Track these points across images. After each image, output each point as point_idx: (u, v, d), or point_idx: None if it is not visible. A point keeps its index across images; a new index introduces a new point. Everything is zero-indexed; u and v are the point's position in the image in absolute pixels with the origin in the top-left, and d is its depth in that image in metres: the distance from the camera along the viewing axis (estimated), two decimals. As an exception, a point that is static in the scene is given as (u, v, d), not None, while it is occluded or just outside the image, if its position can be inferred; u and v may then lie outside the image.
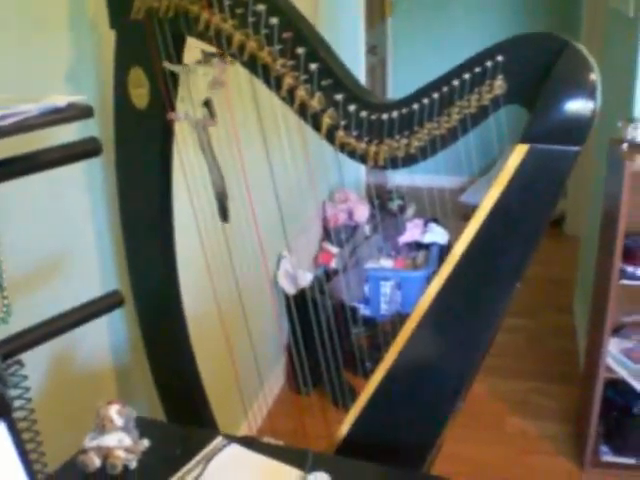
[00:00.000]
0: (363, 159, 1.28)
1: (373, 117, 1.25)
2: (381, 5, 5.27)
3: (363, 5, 4.46)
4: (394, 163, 1.27)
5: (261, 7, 1.26)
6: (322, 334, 2.67)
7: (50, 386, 1.61)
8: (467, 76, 1.18)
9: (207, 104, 1.46)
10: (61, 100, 0.96)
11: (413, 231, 3.78)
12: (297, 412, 3.03)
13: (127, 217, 1.66)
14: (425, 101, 1.21)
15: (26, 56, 1.47)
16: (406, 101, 1.23)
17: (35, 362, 1.28)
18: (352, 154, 1.29)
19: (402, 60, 5.57)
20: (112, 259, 1.80)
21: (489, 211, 1.23)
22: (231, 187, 1.66)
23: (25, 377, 1.11)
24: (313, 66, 1.26)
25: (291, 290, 3.08)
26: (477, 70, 1.18)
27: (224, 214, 1.56)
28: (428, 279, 3.63)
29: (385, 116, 1.24)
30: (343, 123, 1.27)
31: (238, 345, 2.01)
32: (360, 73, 4.55)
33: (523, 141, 1.18)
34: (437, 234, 3.82)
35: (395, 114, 1.23)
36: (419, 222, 3.84)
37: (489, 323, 1.34)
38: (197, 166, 1.63)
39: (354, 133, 1.27)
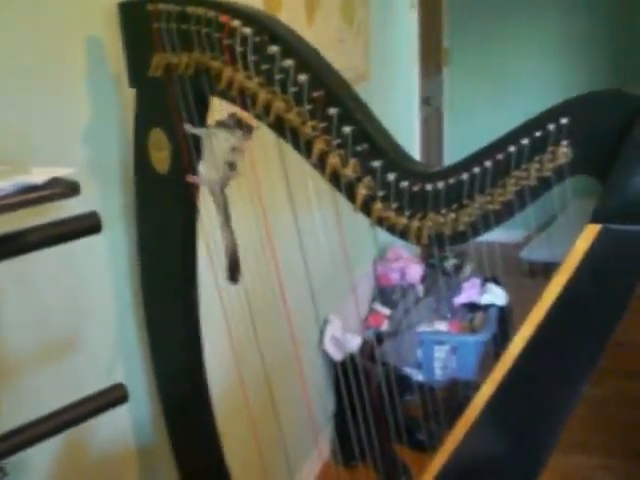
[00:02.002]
0: (404, 235, 1.11)
1: (415, 188, 1.08)
2: (437, 55, 5.14)
3: (418, 55, 4.33)
4: (440, 241, 1.09)
5: (289, 62, 1.12)
6: (371, 403, 2.50)
7: (63, 475, 1.46)
8: (526, 141, 1.00)
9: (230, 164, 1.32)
10: (40, 176, 0.81)
11: (470, 291, 3.57)
12: (343, 488, 2.84)
13: (149, 288, 1.52)
14: (476, 170, 1.03)
15: (42, 116, 1.34)
16: (454, 170, 1.06)
17: (44, 447, 1.13)
18: (391, 229, 1.12)
19: (458, 111, 5.41)
20: (134, 336, 1.65)
21: (553, 303, 1.04)
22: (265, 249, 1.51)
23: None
24: (347, 129, 1.10)
25: (338, 356, 2.89)
26: (537, 134, 1.00)
27: (233, 274, 1.41)
28: (485, 344, 3.41)
29: (429, 187, 1.06)
30: (381, 194, 1.10)
31: (280, 416, 1.84)
32: (414, 125, 4.41)
33: (594, 220, 0.99)
34: (495, 295, 3.61)
35: (441, 185, 1.06)
36: (476, 281, 3.63)
37: (553, 427, 1.14)
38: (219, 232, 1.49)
39: (393, 206, 1.10)
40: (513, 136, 1.02)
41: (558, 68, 5.20)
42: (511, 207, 1.03)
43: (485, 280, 3.68)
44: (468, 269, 3.69)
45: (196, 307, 1.51)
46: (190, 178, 1.33)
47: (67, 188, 0.82)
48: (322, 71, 1.13)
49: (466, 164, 1.05)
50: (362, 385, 2.60)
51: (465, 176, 1.04)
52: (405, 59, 4.19)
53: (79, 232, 0.97)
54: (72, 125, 1.43)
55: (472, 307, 3.60)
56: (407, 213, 1.09)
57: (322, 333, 2.90)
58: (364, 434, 2.53)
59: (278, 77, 1.13)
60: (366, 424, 2.39)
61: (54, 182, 0.82)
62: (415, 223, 1.09)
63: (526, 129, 1.01)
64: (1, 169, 0.89)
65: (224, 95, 1.22)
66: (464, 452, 1.22)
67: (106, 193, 1.52)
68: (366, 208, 1.11)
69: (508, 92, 5.29)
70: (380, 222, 1.11)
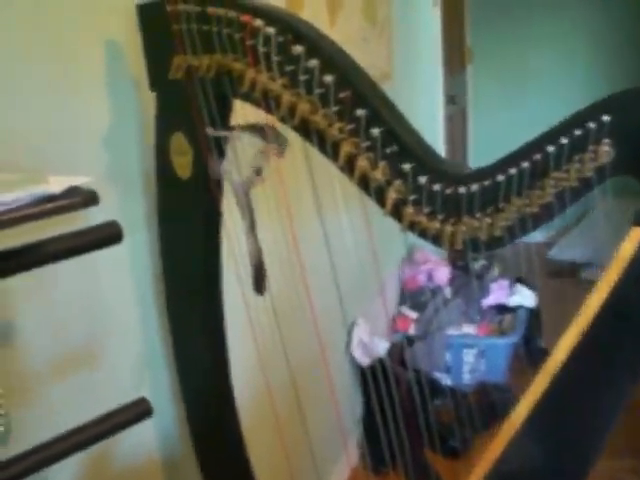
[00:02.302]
0: (437, 241, 1.06)
1: (448, 191, 1.02)
2: (460, 53, 5.08)
3: (441, 53, 4.28)
4: (475, 246, 1.04)
5: (314, 62, 1.07)
6: (400, 408, 2.45)
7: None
8: (565, 141, 0.95)
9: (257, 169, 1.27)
10: (58, 185, 0.77)
11: (498, 293, 3.51)
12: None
13: (172, 296, 1.48)
14: (512, 172, 0.98)
15: (60, 122, 1.31)
16: (489, 171, 1.00)
17: (66, 461, 1.10)
18: (423, 234, 1.07)
19: (483, 109, 5.34)
20: (158, 345, 1.61)
21: (598, 310, 0.98)
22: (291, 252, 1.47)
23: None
24: (376, 131, 1.05)
25: (365, 360, 2.85)
26: (577, 133, 0.94)
27: (259, 285, 1.36)
28: (515, 346, 3.35)
29: (463, 190, 1.01)
30: (412, 198, 1.05)
31: (306, 421, 1.80)
32: (439, 124, 4.35)
33: (639, 223, 0.94)
34: (524, 296, 3.54)
35: (475, 187, 1.00)
36: (504, 283, 3.56)
37: (600, 434, 1.09)
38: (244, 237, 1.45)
39: (426, 210, 1.05)
40: (551, 135, 0.96)
41: (582, 67, 5.12)
42: (550, 209, 0.97)
43: (513, 281, 3.62)
44: (496, 270, 3.63)
45: (221, 314, 1.47)
46: (212, 165, 1.28)
47: (86, 197, 0.78)
48: (348, 71, 1.08)
49: (502, 165, 0.99)
50: (391, 389, 2.56)
51: (501, 178, 0.98)
52: (428, 58, 4.14)
53: (99, 242, 0.94)
54: (91, 131, 1.40)
55: (501, 309, 3.53)
56: (440, 217, 1.04)
57: (349, 336, 2.86)
58: (394, 439, 2.49)
59: (303, 78, 1.09)
60: (396, 429, 2.35)
61: (72, 191, 0.79)
62: (448, 228, 1.04)
63: (565, 128, 0.96)
64: (18, 178, 0.85)
65: (247, 97, 1.17)
66: (508, 461, 1.16)
67: (127, 200, 1.48)
68: (397, 212, 1.06)
69: (532, 91, 5.22)
70: (412, 227, 1.06)
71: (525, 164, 0.97)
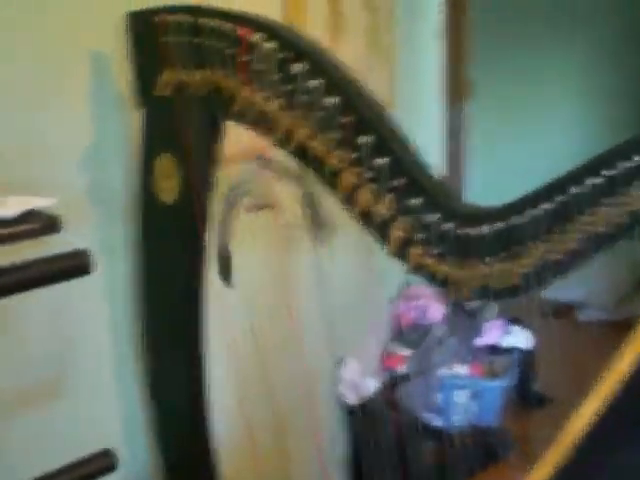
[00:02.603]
0: (445, 285, 0.95)
1: (461, 231, 0.92)
2: (461, 86, 4.99)
3: (444, 86, 4.20)
4: (484, 294, 0.93)
5: (315, 83, 0.97)
6: (389, 449, 2.34)
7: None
8: (592, 182, 0.84)
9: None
10: (14, 207, 0.66)
11: (492, 333, 3.39)
12: None
13: (149, 330, 1.37)
14: (532, 213, 0.87)
15: (39, 135, 1.20)
16: (507, 211, 0.90)
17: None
18: (430, 278, 0.96)
19: (483, 144, 5.26)
20: (132, 385, 1.49)
21: (626, 377, 0.87)
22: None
23: None
24: (381, 161, 0.95)
25: (353, 400, 2.72)
26: (607, 174, 0.84)
27: (225, 275, 1.25)
28: (508, 389, 3.23)
29: (478, 231, 0.91)
30: (419, 237, 0.94)
31: (288, 463, 1.68)
32: (440, 156, 4.26)
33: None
34: (519, 337, 3.42)
35: (490, 229, 0.89)
36: (499, 323, 3.44)
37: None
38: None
39: (434, 251, 0.94)
40: (576, 174, 0.86)
41: (585, 104, 5.06)
42: (576, 256, 0.86)
43: (509, 321, 3.50)
44: (492, 310, 3.52)
45: (201, 353, 1.36)
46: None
47: (45, 223, 0.67)
48: (354, 93, 0.98)
49: (520, 205, 0.88)
50: (380, 430, 2.45)
51: (518, 220, 0.88)
52: (430, 90, 4.05)
53: (64, 273, 0.82)
54: (72, 148, 1.29)
55: (494, 349, 3.41)
56: (450, 260, 0.93)
57: (338, 375, 2.73)
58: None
59: (302, 99, 0.98)
60: (384, 471, 2.23)
61: (30, 215, 0.68)
62: (458, 273, 0.93)
63: (593, 167, 0.85)
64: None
65: (240, 119, 1.07)
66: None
67: (107, 223, 1.37)
68: (401, 252, 0.96)
69: (533, 127, 5.14)
70: (418, 269, 0.95)
71: (546, 206, 0.86)
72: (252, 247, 1.42)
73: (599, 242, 0.85)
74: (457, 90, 4.83)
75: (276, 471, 1.67)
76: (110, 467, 0.93)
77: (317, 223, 1.14)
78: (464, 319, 3.39)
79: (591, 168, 0.86)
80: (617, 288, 4.19)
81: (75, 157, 1.29)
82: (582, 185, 0.85)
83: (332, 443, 2.76)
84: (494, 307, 3.49)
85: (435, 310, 3.30)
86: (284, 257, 1.36)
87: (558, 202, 0.87)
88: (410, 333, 3.27)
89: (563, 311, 4.29)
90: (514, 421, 3.17)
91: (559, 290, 3.68)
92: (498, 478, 2.92)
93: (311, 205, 1.14)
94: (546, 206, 0.87)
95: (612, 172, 0.84)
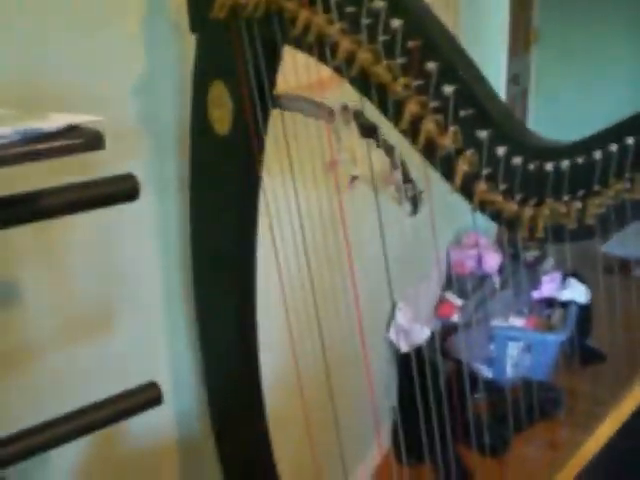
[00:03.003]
0: (512, 225, 0.88)
1: (532, 166, 0.85)
2: (526, 32, 4.83)
3: (508, 31, 4.04)
4: (558, 236, 0.86)
5: (380, 4, 0.90)
6: (436, 399, 2.29)
7: (91, 469, 1.29)
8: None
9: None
10: (54, 122, 0.62)
11: (549, 286, 3.31)
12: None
13: (200, 267, 1.33)
14: (613, 148, 0.80)
15: (90, 56, 1.15)
16: (584, 145, 0.82)
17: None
18: (497, 217, 0.89)
19: (545, 92, 5.10)
20: (181, 319, 1.46)
21: None
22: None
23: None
24: (448, 89, 0.88)
25: (404, 347, 2.69)
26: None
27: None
28: (563, 344, 3.16)
29: (550, 166, 0.84)
30: (486, 172, 0.88)
31: (336, 407, 1.66)
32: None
33: None
34: (577, 291, 3.34)
35: (566, 164, 0.82)
36: (556, 276, 3.36)
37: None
38: (285, 210, 1.29)
39: (502, 187, 0.87)
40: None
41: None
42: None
43: (566, 275, 3.41)
44: (550, 262, 3.43)
45: (253, 289, 1.32)
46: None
47: (87, 138, 0.62)
48: (420, 16, 0.91)
49: (600, 139, 0.81)
50: (428, 380, 2.40)
51: (598, 155, 0.81)
52: (494, 36, 3.91)
53: (109, 198, 0.78)
54: (124, 72, 1.24)
55: (551, 303, 3.34)
56: (519, 197, 0.87)
57: (390, 320, 2.70)
58: (427, 432, 2.34)
59: (365, 22, 0.92)
60: (430, 422, 2.19)
61: (72, 130, 0.63)
62: (528, 211, 0.86)
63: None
64: (13, 113, 0.70)
65: (299, 43, 1.01)
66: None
67: (158, 154, 1.34)
68: (466, 188, 0.89)
69: (596, 76, 4.99)
70: (483, 207, 0.89)
71: (630, 141, 0.79)
72: (312, 189, 1.37)
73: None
74: (521, 37, 4.68)
75: (325, 413, 1.64)
76: (156, 399, 0.90)
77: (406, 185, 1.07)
78: (521, 270, 3.31)
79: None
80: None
81: (127, 85, 1.25)
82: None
83: (384, 389, 2.74)
84: (551, 260, 3.40)
85: (492, 260, 3.23)
86: (343, 200, 1.30)
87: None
88: (465, 282, 3.21)
89: (620, 266, 4.17)
90: (567, 377, 3.11)
91: (618, 246, 3.57)
92: (546, 434, 2.88)
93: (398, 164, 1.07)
94: (630, 140, 0.79)
95: None
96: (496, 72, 4.04)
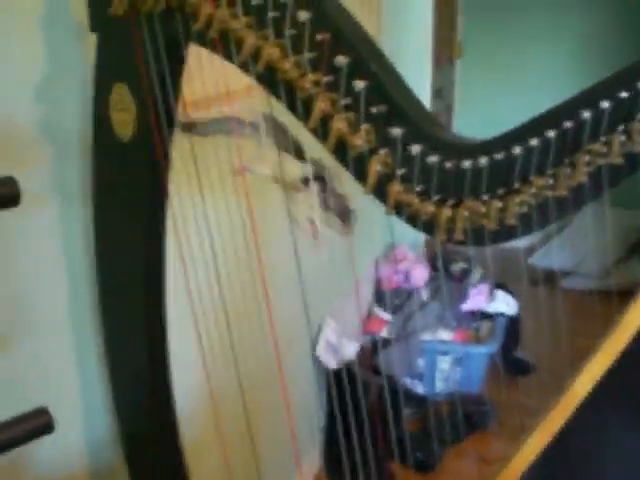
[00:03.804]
0: (429, 228, 0.83)
1: (448, 164, 0.80)
2: (449, 46, 4.87)
3: (431, 46, 4.06)
4: (477, 238, 0.81)
5: (285, -4, 0.84)
6: (367, 417, 2.24)
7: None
8: (605, 105, 0.72)
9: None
10: None
11: (477, 298, 3.30)
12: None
13: (106, 283, 1.25)
14: (534, 143, 0.75)
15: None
16: (502, 141, 0.78)
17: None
18: (413, 219, 0.84)
19: (470, 106, 5.15)
20: (91, 343, 1.37)
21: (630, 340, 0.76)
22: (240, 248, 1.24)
23: None
24: (360, 84, 0.83)
25: (332, 364, 2.62)
26: (623, 95, 0.72)
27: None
28: (492, 357, 3.15)
29: (467, 164, 0.79)
30: (401, 172, 0.82)
31: (258, 434, 1.58)
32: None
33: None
34: (504, 303, 3.34)
35: (484, 161, 0.77)
36: (484, 288, 3.35)
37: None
38: (194, 226, 1.22)
39: (418, 188, 0.82)
40: (586, 98, 0.74)
41: (574, 64, 4.95)
42: (581, 193, 0.75)
43: (494, 287, 3.41)
44: (477, 274, 3.42)
45: (162, 308, 1.24)
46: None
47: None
48: (329, 8, 0.85)
49: (520, 134, 0.76)
50: (358, 396, 2.35)
51: (518, 150, 0.76)
52: (417, 48, 3.92)
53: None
54: (23, 79, 1.16)
55: (479, 315, 3.33)
56: (436, 198, 0.81)
57: (316, 337, 2.63)
58: (358, 451, 2.28)
59: (272, 15, 0.86)
60: (361, 440, 2.13)
61: None
62: (446, 212, 0.81)
63: (604, 89, 0.74)
64: None
65: (202, 39, 0.94)
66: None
67: (61, 164, 1.25)
68: (380, 190, 0.83)
69: (519, 89, 5.05)
70: (399, 209, 0.83)
71: (551, 133, 0.74)
72: (227, 207, 1.31)
73: (612, 175, 0.73)
74: (445, 50, 4.72)
75: (243, 440, 1.57)
76: (46, 426, 0.82)
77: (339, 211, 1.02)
78: (449, 283, 3.29)
79: (602, 89, 0.74)
80: (603, 257, 4.12)
81: (26, 91, 1.16)
82: (594, 108, 0.73)
83: (310, 410, 2.67)
84: (479, 271, 3.40)
85: (419, 273, 3.21)
86: (260, 216, 1.24)
87: (564, 128, 0.75)
88: (393, 297, 3.17)
89: (546, 278, 4.21)
90: (496, 389, 3.10)
91: (544, 258, 3.58)
92: (478, 447, 2.86)
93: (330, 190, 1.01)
94: (550, 134, 0.74)
95: (629, 93, 0.72)
96: (420, 85, 4.05)
